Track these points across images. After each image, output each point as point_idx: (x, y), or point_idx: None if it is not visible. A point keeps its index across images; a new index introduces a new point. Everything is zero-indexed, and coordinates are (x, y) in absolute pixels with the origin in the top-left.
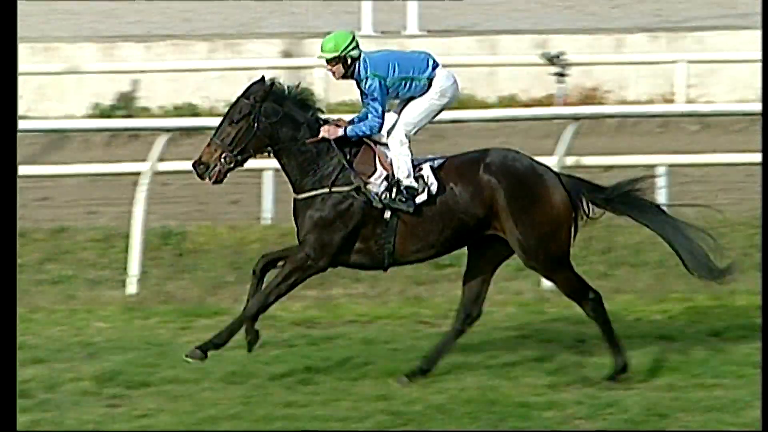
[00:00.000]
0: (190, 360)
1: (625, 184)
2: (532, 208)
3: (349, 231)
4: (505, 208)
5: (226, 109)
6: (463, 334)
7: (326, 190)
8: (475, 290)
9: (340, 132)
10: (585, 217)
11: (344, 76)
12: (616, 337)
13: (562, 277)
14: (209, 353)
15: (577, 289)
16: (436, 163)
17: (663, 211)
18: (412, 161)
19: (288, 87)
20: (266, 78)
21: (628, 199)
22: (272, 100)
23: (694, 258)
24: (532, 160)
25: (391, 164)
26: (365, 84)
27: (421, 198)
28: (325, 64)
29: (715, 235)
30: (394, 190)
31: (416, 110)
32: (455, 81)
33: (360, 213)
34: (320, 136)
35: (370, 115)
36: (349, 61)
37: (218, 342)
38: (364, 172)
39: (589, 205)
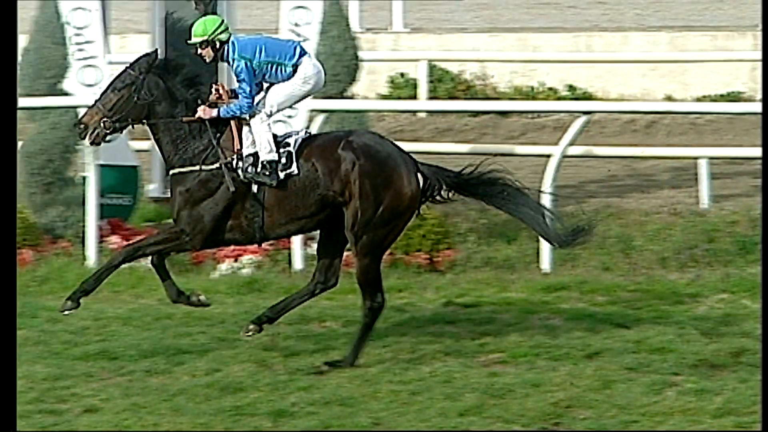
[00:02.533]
0: (65, 312)
1: (476, 169)
2: (381, 191)
3: (220, 209)
4: (356, 183)
5: None
6: (313, 296)
7: (197, 167)
8: (330, 259)
9: (215, 113)
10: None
11: (214, 59)
12: (363, 344)
13: (366, 264)
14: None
15: (371, 281)
16: (300, 138)
17: (515, 190)
18: (275, 137)
19: (179, 64)
20: (157, 52)
21: (478, 181)
22: (156, 74)
23: (547, 229)
24: (395, 146)
25: (253, 141)
26: (233, 66)
27: (289, 171)
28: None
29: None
30: (258, 164)
31: (279, 93)
32: (320, 70)
33: (228, 189)
34: (196, 116)
35: (240, 96)
36: (218, 44)
37: (87, 288)
38: (229, 149)
39: (446, 194)
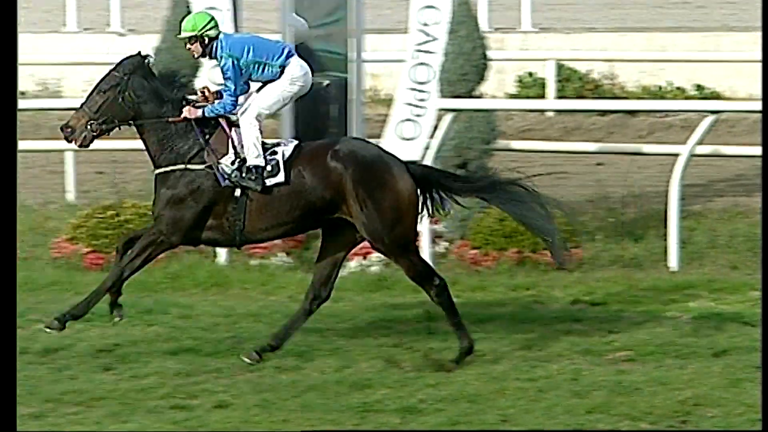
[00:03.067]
0: (48, 330)
1: (482, 171)
2: (377, 193)
3: (200, 208)
4: (351, 193)
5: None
6: (311, 315)
7: (182, 166)
8: (326, 272)
9: (200, 113)
10: (437, 208)
11: (203, 55)
12: (461, 321)
13: (406, 261)
14: (68, 324)
15: (421, 273)
16: (289, 146)
17: (524, 189)
18: (263, 143)
19: (157, 66)
20: (141, 53)
21: (485, 182)
22: (141, 75)
23: (550, 241)
24: (380, 149)
25: (241, 144)
26: (220, 63)
27: (276, 179)
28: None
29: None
30: (243, 168)
31: (268, 95)
32: (307, 71)
33: (211, 190)
34: (182, 116)
35: (224, 94)
36: (207, 40)
37: (76, 313)
38: (218, 151)
39: (442, 193)
